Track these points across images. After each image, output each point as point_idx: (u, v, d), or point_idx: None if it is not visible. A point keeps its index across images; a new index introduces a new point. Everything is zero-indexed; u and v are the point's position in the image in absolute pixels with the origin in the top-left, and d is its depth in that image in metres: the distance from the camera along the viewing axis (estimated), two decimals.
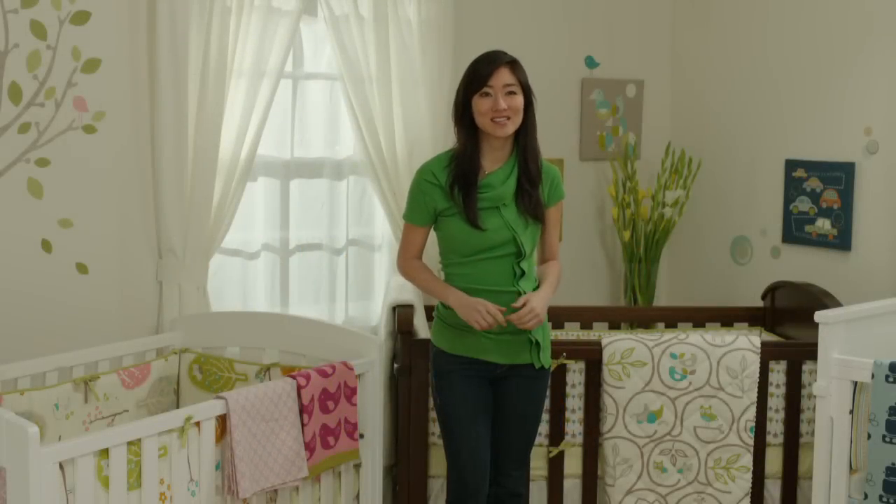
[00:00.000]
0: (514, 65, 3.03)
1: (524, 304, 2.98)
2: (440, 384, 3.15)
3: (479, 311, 2.97)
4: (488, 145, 3.07)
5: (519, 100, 3.01)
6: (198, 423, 2.88)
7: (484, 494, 3.15)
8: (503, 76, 2.99)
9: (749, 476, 3.67)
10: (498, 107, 2.98)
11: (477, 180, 3.04)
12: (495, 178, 3.05)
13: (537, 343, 3.10)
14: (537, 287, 3.11)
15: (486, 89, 2.99)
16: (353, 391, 3.32)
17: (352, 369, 3.32)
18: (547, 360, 3.15)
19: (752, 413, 3.64)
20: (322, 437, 3.22)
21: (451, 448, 3.15)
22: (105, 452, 2.64)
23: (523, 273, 3.06)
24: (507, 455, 3.19)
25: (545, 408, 3.71)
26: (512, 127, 3.02)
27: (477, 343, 3.08)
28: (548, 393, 3.69)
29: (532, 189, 3.06)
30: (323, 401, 3.22)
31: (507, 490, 3.22)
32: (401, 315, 3.70)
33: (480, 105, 3.00)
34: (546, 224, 3.14)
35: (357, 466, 3.47)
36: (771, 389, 3.75)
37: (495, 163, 3.08)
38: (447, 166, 3.08)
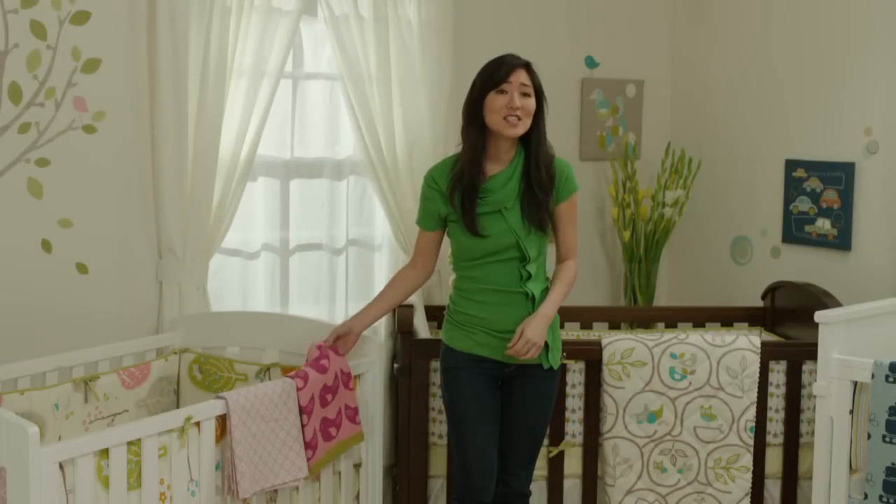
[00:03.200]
0: (530, 68, 3.05)
1: (520, 336, 2.98)
2: (449, 382, 3.16)
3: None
4: (494, 147, 3.06)
5: (532, 102, 3.02)
6: (198, 423, 2.88)
7: (490, 493, 3.15)
8: (520, 76, 3.01)
9: (749, 476, 3.67)
10: (513, 104, 2.97)
11: (478, 186, 3.03)
12: (496, 183, 3.05)
13: (546, 344, 3.09)
14: (547, 288, 3.11)
15: (503, 86, 2.99)
16: (349, 376, 3.30)
17: (342, 355, 3.30)
18: (556, 361, 3.14)
19: (752, 413, 3.64)
20: (323, 431, 3.22)
21: (458, 446, 3.15)
22: (105, 452, 2.64)
23: (530, 276, 3.06)
24: (515, 455, 3.19)
25: None
26: (522, 128, 3.01)
27: (485, 341, 3.08)
28: None
29: (543, 195, 3.05)
30: (322, 395, 3.21)
31: (514, 490, 3.22)
32: (401, 315, 3.71)
33: (495, 102, 3.00)
34: (560, 221, 3.13)
35: (357, 466, 3.47)
36: (771, 389, 3.75)
37: (499, 165, 3.08)
38: (450, 172, 3.08)
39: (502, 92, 3.00)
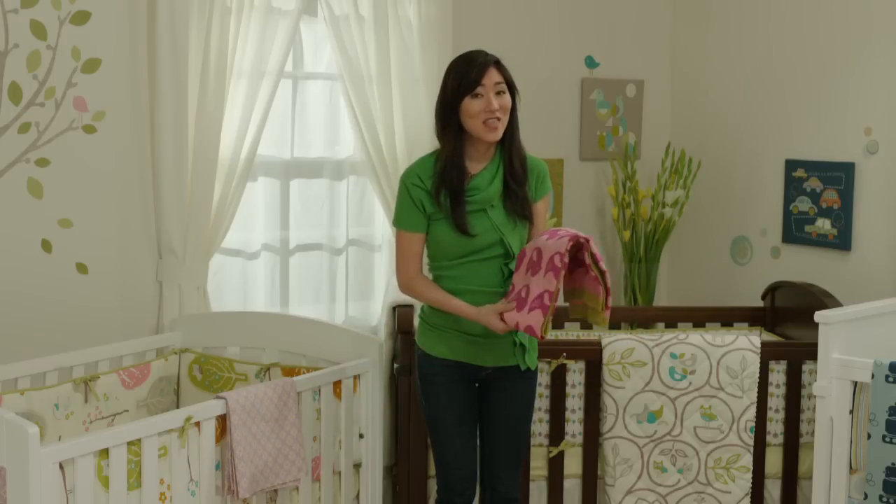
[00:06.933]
0: (499, 63, 2.98)
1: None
2: (425, 387, 3.12)
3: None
4: (473, 147, 3.01)
5: (508, 99, 2.96)
6: (198, 423, 2.88)
7: (470, 497, 3.13)
8: (493, 75, 2.94)
9: (749, 476, 3.67)
10: (491, 107, 2.91)
11: (464, 185, 2.98)
12: (481, 181, 3.00)
13: (522, 345, 3.05)
14: None
15: (477, 90, 2.92)
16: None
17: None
18: (533, 362, 3.09)
19: (752, 413, 3.64)
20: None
21: (436, 450, 3.14)
22: (105, 452, 2.64)
23: (511, 273, 3.03)
24: (498, 458, 3.15)
25: (545, 408, 3.72)
26: (503, 128, 2.96)
27: (460, 346, 3.04)
28: (548, 393, 3.71)
29: (518, 188, 3.01)
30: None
31: (501, 494, 3.16)
32: (401, 315, 3.70)
33: (472, 107, 2.92)
34: (534, 219, 3.08)
35: (357, 466, 3.48)
36: (771, 389, 3.75)
37: (480, 163, 3.02)
38: (432, 170, 3.01)
39: (478, 96, 2.93)
